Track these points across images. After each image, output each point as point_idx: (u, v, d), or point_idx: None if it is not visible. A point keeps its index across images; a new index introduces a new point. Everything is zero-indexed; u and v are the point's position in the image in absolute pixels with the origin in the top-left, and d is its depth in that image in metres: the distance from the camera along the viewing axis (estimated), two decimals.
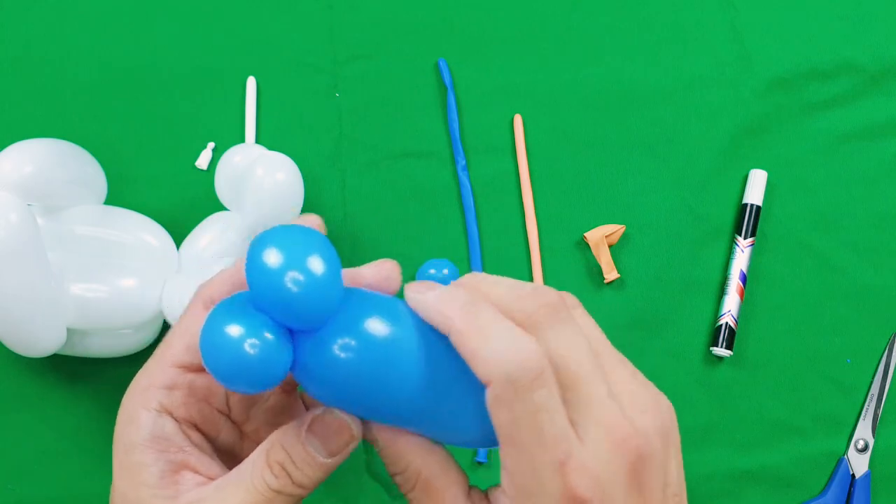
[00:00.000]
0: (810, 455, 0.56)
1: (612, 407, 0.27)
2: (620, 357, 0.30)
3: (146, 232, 0.51)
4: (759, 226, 0.58)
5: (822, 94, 0.61)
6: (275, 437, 0.29)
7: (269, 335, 0.26)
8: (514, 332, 0.27)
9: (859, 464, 0.56)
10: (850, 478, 0.56)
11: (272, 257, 0.25)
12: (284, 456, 0.28)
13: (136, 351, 0.52)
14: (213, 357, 0.26)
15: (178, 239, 0.52)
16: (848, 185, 0.60)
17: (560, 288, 0.57)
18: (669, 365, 0.57)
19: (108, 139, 0.57)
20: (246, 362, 0.25)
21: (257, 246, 0.26)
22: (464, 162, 0.58)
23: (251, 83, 0.59)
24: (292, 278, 0.25)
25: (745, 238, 0.58)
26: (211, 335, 0.26)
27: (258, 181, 0.49)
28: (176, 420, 0.30)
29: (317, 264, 0.26)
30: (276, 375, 0.26)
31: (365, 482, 0.54)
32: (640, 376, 0.29)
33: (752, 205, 0.58)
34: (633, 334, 0.57)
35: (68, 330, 0.47)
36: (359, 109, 0.59)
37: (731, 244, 0.58)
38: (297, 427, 0.29)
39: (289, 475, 0.28)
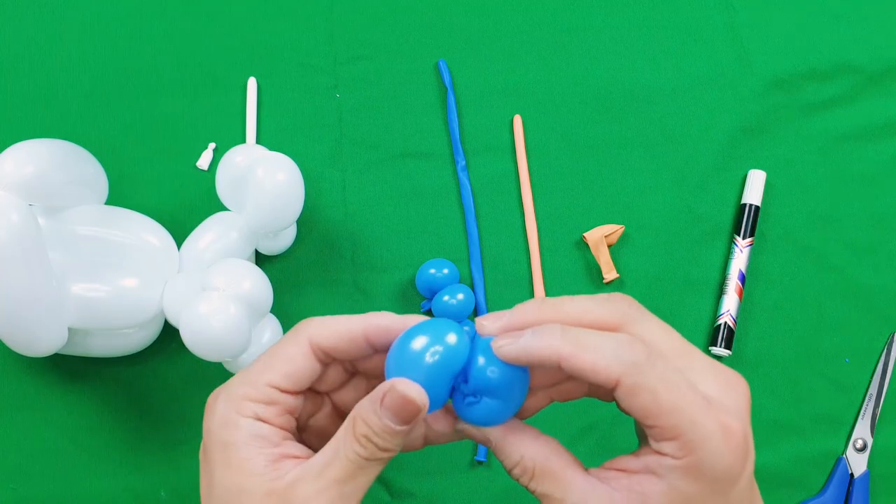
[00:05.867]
0: (809, 454, 0.56)
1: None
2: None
3: (147, 232, 0.51)
4: (757, 226, 0.59)
5: (821, 95, 0.61)
6: (356, 412, 0.33)
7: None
8: (611, 335, 0.31)
9: (858, 463, 0.56)
10: (849, 477, 0.56)
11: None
12: (367, 429, 0.32)
13: (136, 350, 0.52)
14: None
15: (179, 239, 0.52)
16: (846, 185, 0.60)
17: (560, 288, 0.57)
18: None
19: (110, 139, 0.57)
20: None
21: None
22: (464, 162, 0.58)
23: (252, 83, 0.59)
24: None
25: (743, 238, 0.58)
26: None
27: (259, 181, 0.49)
28: (271, 425, 0.34)
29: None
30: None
31: None
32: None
33: (750, 205, 0.58)
34: None
35: (69, 329, 0.47)
36: (359, 109, 0.59)
37: (730, 244, 0.59)
38: (372, 403, 0.33)
39: (374, 444, 0.32)
